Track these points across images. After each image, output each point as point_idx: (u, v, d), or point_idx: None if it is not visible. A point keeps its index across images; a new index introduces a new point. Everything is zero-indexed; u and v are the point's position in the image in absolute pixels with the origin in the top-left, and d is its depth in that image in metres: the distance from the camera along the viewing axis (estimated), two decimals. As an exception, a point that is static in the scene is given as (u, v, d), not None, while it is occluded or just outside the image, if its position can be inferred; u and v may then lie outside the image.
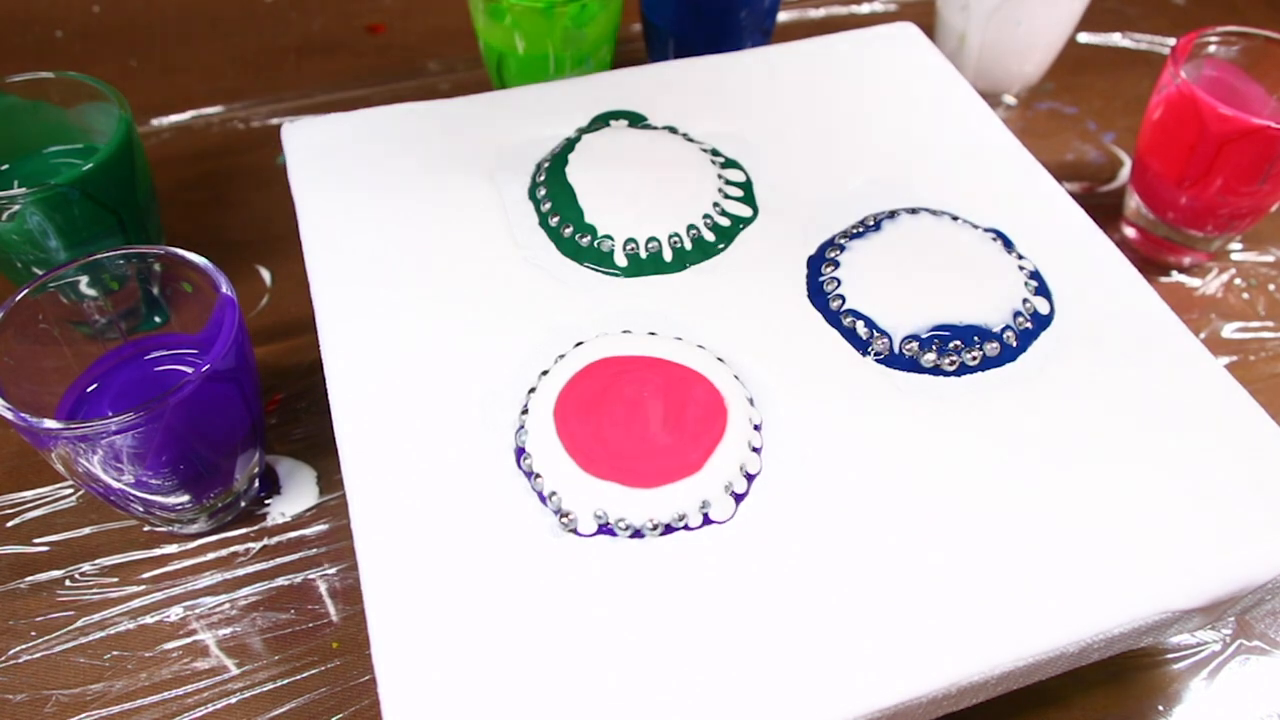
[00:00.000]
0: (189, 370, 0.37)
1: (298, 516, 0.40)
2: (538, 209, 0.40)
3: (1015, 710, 0.35)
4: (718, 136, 0.43)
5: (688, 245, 0.38)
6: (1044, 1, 0.54)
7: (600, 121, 0.43)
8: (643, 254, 0.38)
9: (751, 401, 0.33)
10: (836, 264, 0.38)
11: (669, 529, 0.30)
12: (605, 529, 0.30)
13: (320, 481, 0.41)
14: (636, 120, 0.44)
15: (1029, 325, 0.36)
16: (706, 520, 0.31)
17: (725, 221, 0.39)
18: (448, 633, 0.28)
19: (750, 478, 0.32)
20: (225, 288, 0.35)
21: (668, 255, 0.38)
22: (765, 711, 0.27)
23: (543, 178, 0.40)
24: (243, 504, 0.39)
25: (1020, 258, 0.38)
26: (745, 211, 0.40)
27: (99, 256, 0.36)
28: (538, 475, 0.31)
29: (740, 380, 0.34)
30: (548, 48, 0.50)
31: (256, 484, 0.39)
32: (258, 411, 0.37)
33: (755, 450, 0.32)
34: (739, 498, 0.31)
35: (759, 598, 0.29)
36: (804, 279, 0.38)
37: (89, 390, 0.37)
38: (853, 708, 0.27)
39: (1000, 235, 0.39)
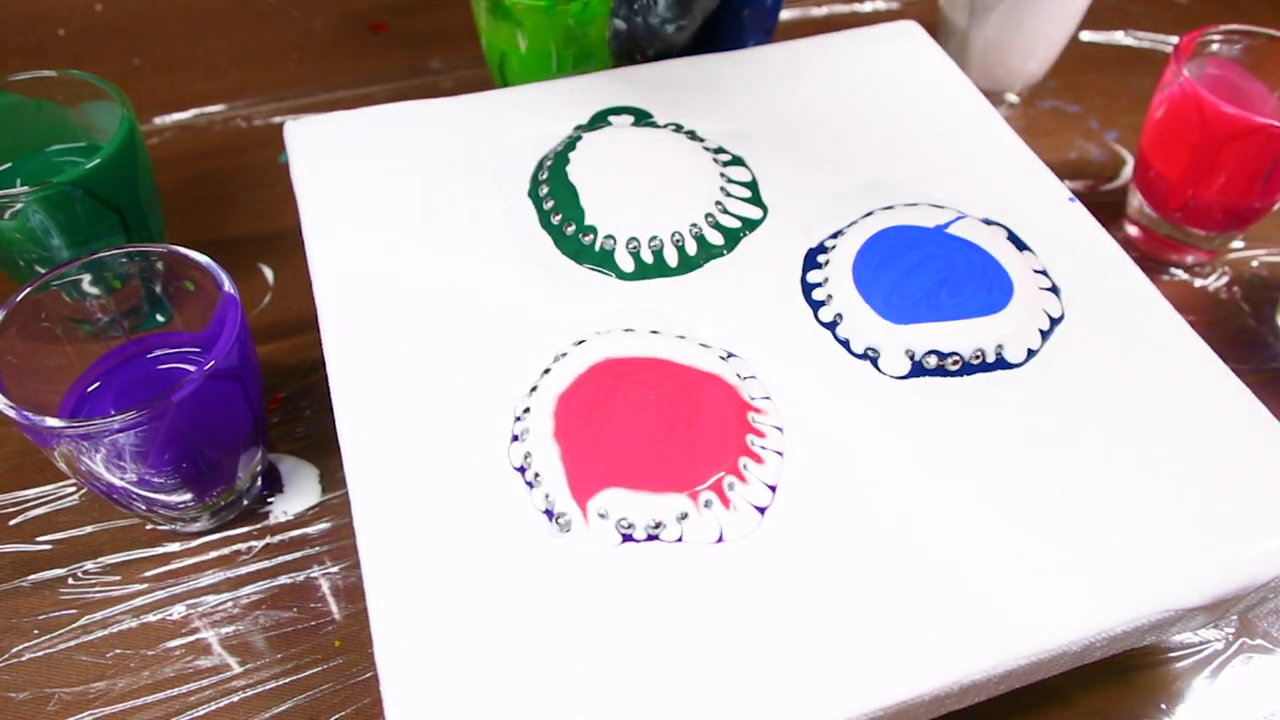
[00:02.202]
0: (191, 369, 0.37)
1: (300, 515, 0.40)
2: (539, 208, 0.40)
3: (1018, 708, 0.35)
4: (720, 135, 0.43)
5: (691, 247, 0.38)
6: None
7: (601, 118, 0.43)
8: (645, 253, 0.38)
9: (753, 400, 0.33)
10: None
11: (665, 532, 0.30)
12: (608, 530, 0.30)
13: (322, 480, 0.41)
14: (641, 117, 0.44)
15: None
16: (708, 523, 0.31)
17: (732, 222, 0.39)
18: (450, 631, 0.28)
19: (756, 479, 0.32)
20: (228, 286, 0.35)
21: (671, 257, 0.38)
22: (771, 709, 0.27)
23: (544, 176, 0.40)
24: (245, 502, 0.39)
25: (1022, 249, 0.38)
26: (752, 211, 0.40)
27: (101, 255, 0.36)
28: (538, 474, 0.31)
29: (745, 380, 0.34)
30: (550, 46, 0.50)
31: (259, 482, 0.39)
32: (260, 410, 0.37)
33: (763, 451, 0.32)
34: (744, 500, 0.31)
35: (761, 597, 0.29)
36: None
37: (91, 389, 0.37)
38: (857, 705, 0.27)
39: (1010, 234, 0.39)
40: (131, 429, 0.31)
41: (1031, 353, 0.35)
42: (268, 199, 0.53)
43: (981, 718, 0.33)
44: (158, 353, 0.38)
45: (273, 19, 0.65)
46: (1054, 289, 0.37)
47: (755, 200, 0.41)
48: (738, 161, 0.42)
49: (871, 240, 0.38)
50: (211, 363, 0.32)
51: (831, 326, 0.36)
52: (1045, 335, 0.36)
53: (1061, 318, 0.37)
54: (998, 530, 0.31)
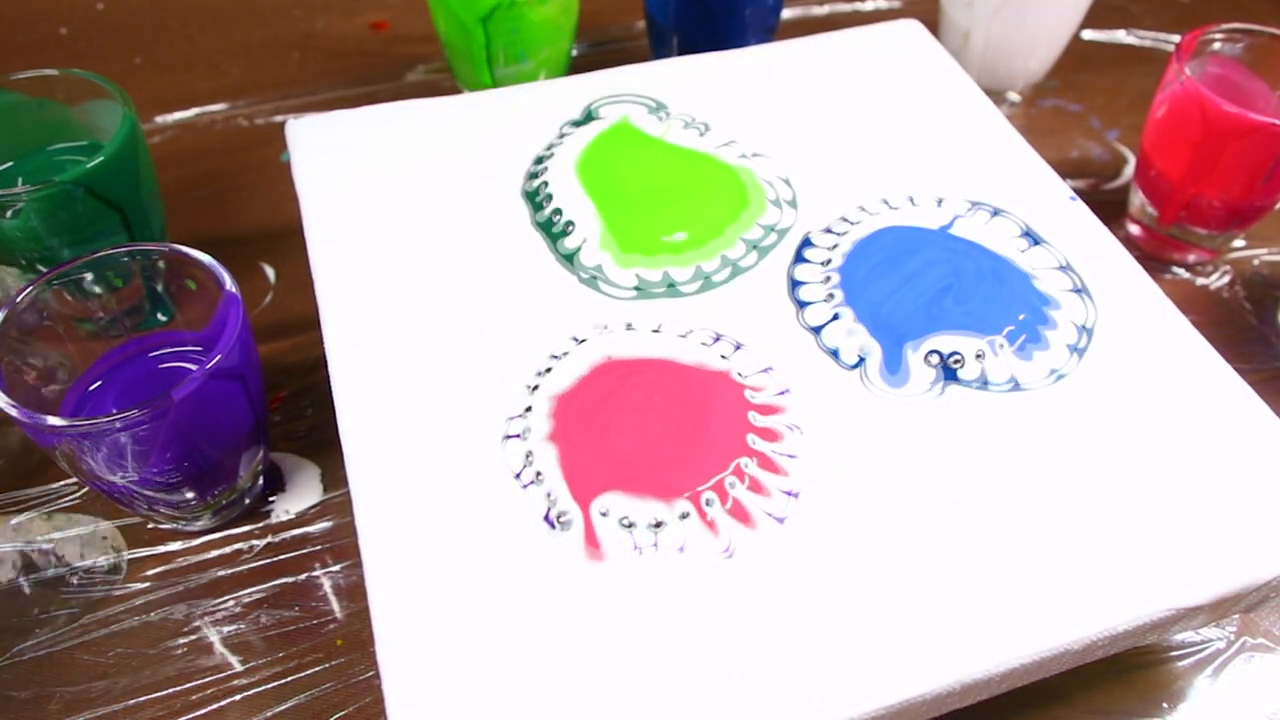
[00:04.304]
0: (193, 368, 0.37)
1: (302, 514, 0.40)
2: (539, 208, 0.40)
3: (1019, 707, 0.35)
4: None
5: None
6: (1048, -2, 0.54)
7: (593, 116, 0.43)
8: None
9: (754, 400, 0.33)
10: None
11: (667, 531, 0.30)
12: (609, 529, 0.30)
13: (324, 479, 0.41)
14: (655, 109, 0.44)
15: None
16: (710, 523, 0.31)
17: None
18: (452, 629, 0.28)
19: (759, 481, 0.32)
20: (229, 285, 0.35)
21: None
22: (773, 709, 0.27)
23: (545, 175, 0.40)
24: (247, 501, 0.39)
25: (1036, 243, 0.38)
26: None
27: (103, 254, 0.36)
28: (539, 473, 0.31)
29: (750, 377, 0.34)
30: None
31: (260, 481, 0.39)
32: (262, 409, 0.37)
33: (773, 455, 0.32)
34: (746, 500, 0.31)
35: (763, 596, 0.29)
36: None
37: (93, 388, 0.37)
38: (860, 704, 0.27)
39: (1026, 229, 0.39)
40: (133, 428, 0.31)
41: (1057, 375, 0.35)
42: (269, 198, 0.53)
43: (983, 716, 0.33)
44: (159, 352, 0.38)
45: (274, 18, 0.65)
46: (1081, 289, 0.37)
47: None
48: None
49: (868, 241, 0.38)
50: (213, 361, 0.32)
51: (818, 330, 0.36)
52: (1080, 353, 0.36)
53: (1092, 329, 0.36)
54: (999, 530, 0.31)
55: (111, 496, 0.35)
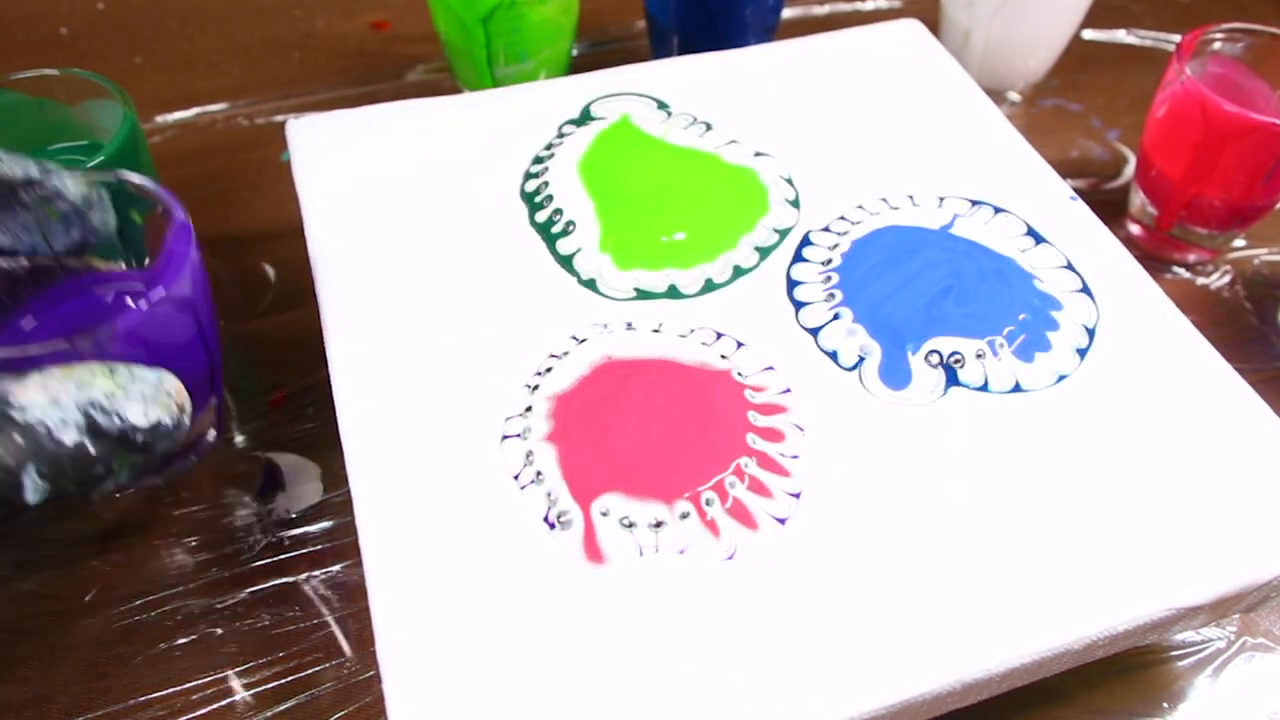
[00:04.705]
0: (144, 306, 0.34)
1: (302, 513, 0.40)
2: (539, 208, 0.40)
3: (1019, 706, 0.35)
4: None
5: None
6: (1049, -2, 0.54)
7: (590, 115, 0.43)
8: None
9: (754, 400, 0.33)
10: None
11: (667, 531, 0.30)
12: (610, 529, 0.30)
13: (324, 478, 0.41)
14: (656, 107, 0.44)
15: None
16: (710, 525, 0.31)
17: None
18: (452, 629, 0.28)
19: (757, 479, 0.32)
20: (180, 215, 0.33)
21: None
22: (774, 708, 0.27)
23: (545, 176, 0.40)
24: (194, 458, 0.38)
25: (1039, 242, 0.38)
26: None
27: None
28: (540, 473, 0.31)
29: (751, 377, 0.34)
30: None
31: (211, 436, 0.38)
32: (217, 355, 0.35)
33: (762, 451, 0.32)
34: (746, 500, 0.31)
35: (764, 596, 0.29)
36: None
37: (28, 326, 0.35)
38: (861, 704, 0.27)
39: (1030, 228, 0.39)
40: (75, 360, 0.28)
41: (1059, 376, 0.35)
42: (269, 197, 0.53)
43: (983, 715, 0.33)
44: (104, 289, 0.36)
45: (274, 18, 0.65)
46: (1082, 289, 0.37)
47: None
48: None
49: (867, 240, 0.38)
50: (161, 287, 0.30)
51: (815, 331, 0.36)
52: (1081, 354, 0.35)
53: (1093, 329, 0.36)
54: (999, 529, 0.31)
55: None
